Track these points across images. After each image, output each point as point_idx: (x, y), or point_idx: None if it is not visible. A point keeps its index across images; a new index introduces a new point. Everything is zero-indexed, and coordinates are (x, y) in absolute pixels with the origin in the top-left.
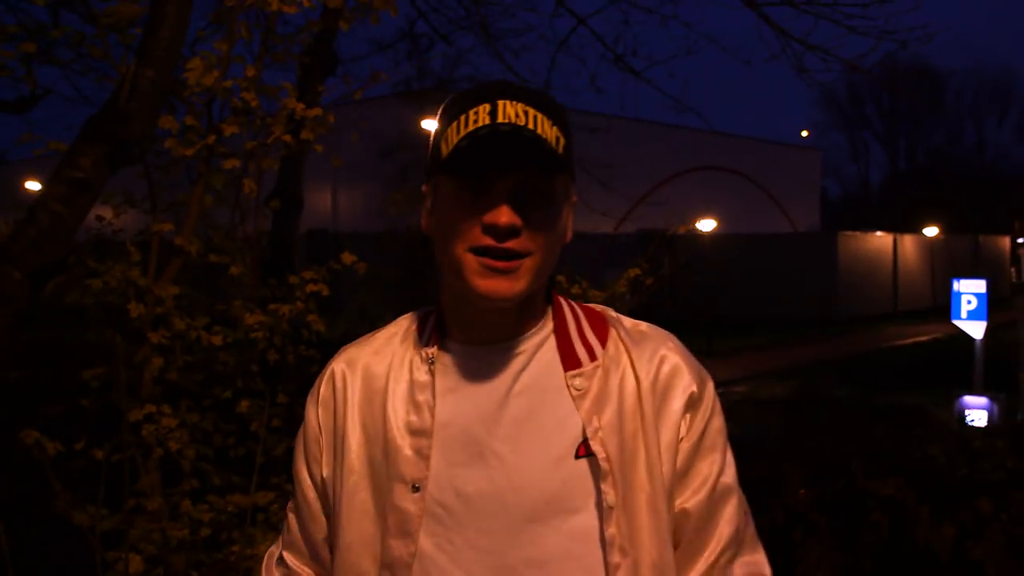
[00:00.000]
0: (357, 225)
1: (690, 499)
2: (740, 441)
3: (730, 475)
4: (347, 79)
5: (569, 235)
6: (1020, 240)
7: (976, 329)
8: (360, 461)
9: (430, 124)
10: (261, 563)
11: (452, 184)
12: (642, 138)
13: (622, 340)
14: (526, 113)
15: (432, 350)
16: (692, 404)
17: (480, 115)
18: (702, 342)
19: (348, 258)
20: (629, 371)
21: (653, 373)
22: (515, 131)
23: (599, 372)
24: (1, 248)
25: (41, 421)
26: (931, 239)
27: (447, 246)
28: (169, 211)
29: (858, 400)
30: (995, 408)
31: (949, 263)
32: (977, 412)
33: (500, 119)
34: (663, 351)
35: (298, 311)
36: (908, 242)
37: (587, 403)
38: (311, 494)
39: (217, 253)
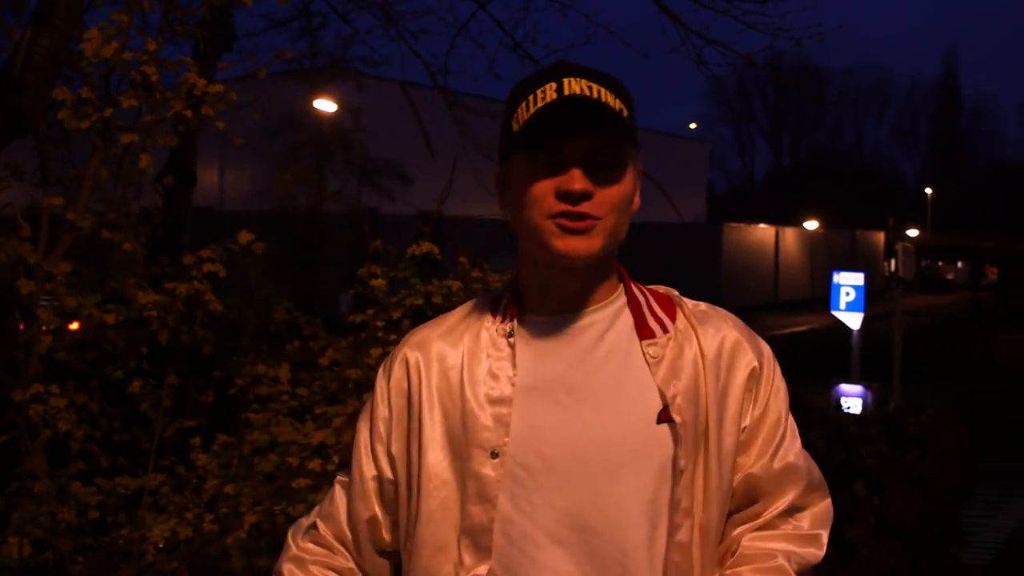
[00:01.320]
0: (245, 204)
1: (755, 464)
2: None
3: (795, 447)
4: (251, 56)
5: (637, 203)
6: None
7: (854, 320)
8: (439, 435)
9: (322, 104)
10: (150, 545)
11: (525, 159)
12: None
13: (688, 317)
14: (590, 88)
15: (511, 323)
16: (755, 378)
17: (547, 92)
18: None
19: (244, 237)
20: (697, 345)
21: (716, 348)
22: (582, 100)
23: (672, 343)
24: None
25: None
26: (811, 232)
27: (526, 217)
28: (59, 185)
29: None
30: (869, 396)
31: (828, 256)
32: (853, 400)
33: (566, 92)
34: (725, 328)
35: (194, 291)
36: (789, 235)
37: (662, 371)
38: (368, 472)
39: (110, 229)
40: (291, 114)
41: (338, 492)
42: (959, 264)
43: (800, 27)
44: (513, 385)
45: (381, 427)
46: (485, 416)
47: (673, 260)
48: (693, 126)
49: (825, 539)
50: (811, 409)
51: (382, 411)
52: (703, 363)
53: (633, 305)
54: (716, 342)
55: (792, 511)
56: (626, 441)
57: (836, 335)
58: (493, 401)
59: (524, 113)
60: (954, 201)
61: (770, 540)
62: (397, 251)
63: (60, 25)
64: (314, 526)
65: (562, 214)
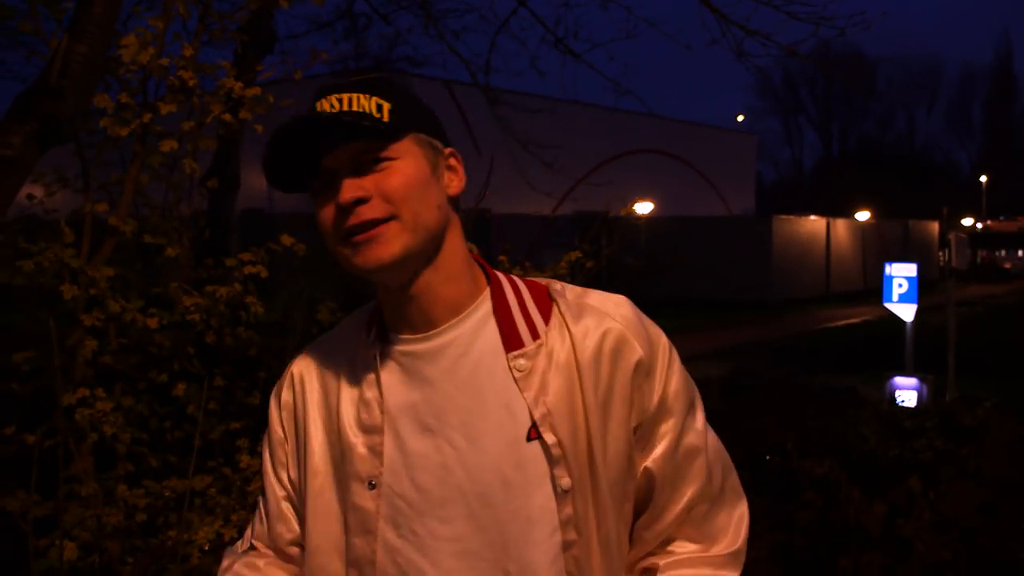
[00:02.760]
0: (293, 206)
1: (651, 460)
2: None
3: (694, 436)
4: (287, 59)
5: (456, 187)
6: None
7: (907, 312)
8: (323, 463)
9: None
10: (195, 548)
11: (312, 190)
12: (580, 121)
13: (563, 314)
14: (338, 101)
15: (375, 349)
16: (643, 371)
17: (290, 129)
18: None
19: (287, 240)
20: (571, 348)
21: (594, 348)
22: (312, 119)
23: (543, 351)
24: None
25: None
26: (863, 223)
27: (330, 249)
28: (102, 191)
29: (792, 381)
30: (924, 389)
31: (880, 247)
32: (907, 393)
33: (303, 122)
34: (607, 323)
35: (236, 293)
36: (840, 226)
37: (532, 385)
38: (279, 494)
39: (152, 233)
40: None
41: (261, 514)
42: (1020, 253)
43: (844, 15)
44: (382, 412)
45: (279, 451)
46: (359, 445)
47: (722, 254)
48: (740, 118)
49: (742, 556)
50: (864, 403)
51: (278, 434)
52: (579, 368)
53: (499, 310)
54: (594, 341)
55: (693, 512)
56: (497, 465)
57: (889, 327)
58: (366, 429)
59: (280, 149)
60: (1010, 188)
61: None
62: None
63: (97, 32)
64: (252, 547)
65: (349, 232)
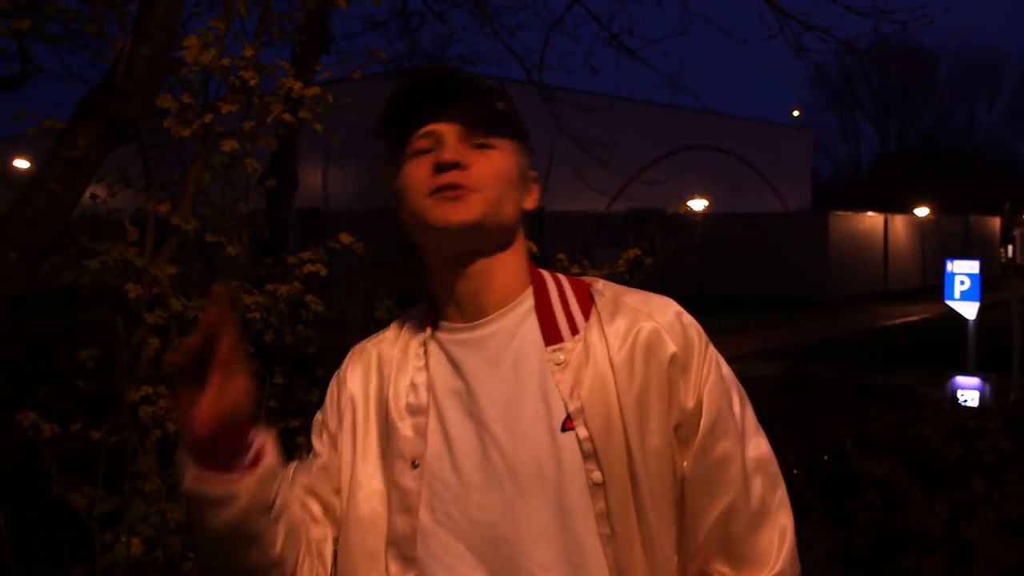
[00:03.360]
0: (348, 204)
1: (685, 463)
2: None
3: (729, 442)
4: (344, 59)
5: (530, 203)
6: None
7: (969, 310)
8: (373, 445)
9: None
10: None
11: (409, 156)
12: (634, 117)
13: (600, 312)
14: (457, 78)
15: (425, 334)
16: (678, 367)
17: (415, 82)
18: None
19: (345, 238)
20: (608, 344)
21: (628, 345)
22: (447, 79)
23: (580, 347)
24: None
25: (36, 402)
26: (921, 219)
27: (409, 203)
28: (164, 190)
29: (850, 380)
30: (987, 389)
31: (939, 243)
32: (969, 392)
33: (432, 81)
34: (640, 322)
35: (295, 291)
36: (899, 222)
37: (568, 379)
38: (319, 459)
39: (213, 232)
40: None
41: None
42: None
43: (905, 9)
44: (429, 396)
45: (331, 422)
46: (405, 426)
47: (778, 251)
48: (796, 114)
49: (795, 569)
50: (924, 402)
51: (332, 408)
52: (612, 366)
53: (541, 306)
54: (628, 339)
55: (728, 529)
56: (534, 454)
57: (951, 325)
58: (412, 412)
59: (395, 108)
60: None
61: None
62: None
63: (159, 33)
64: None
65: (437, 188)
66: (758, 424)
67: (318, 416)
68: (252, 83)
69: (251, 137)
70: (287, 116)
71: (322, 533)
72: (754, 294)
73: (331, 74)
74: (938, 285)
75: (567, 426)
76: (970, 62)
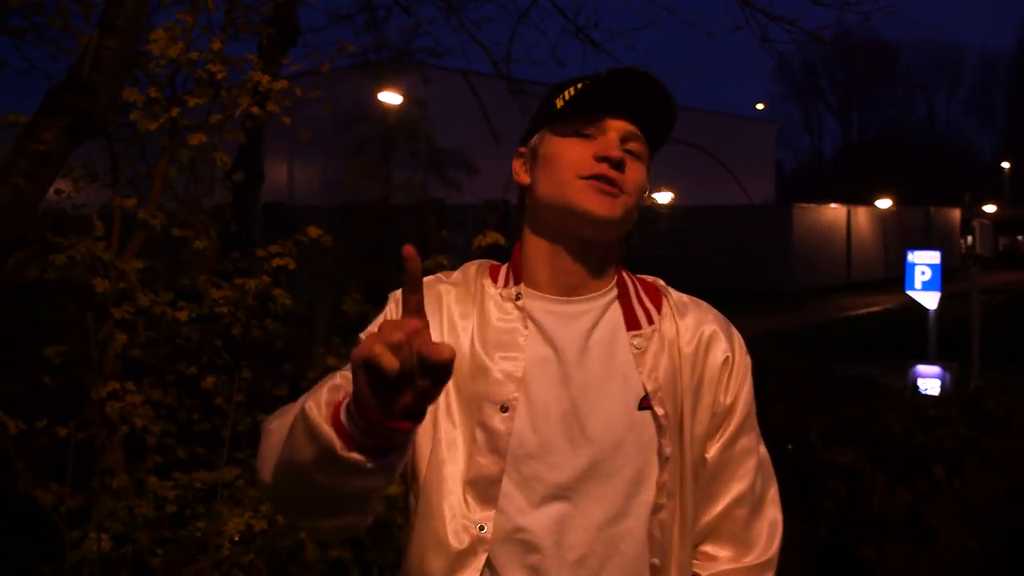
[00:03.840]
0: (313, 199)
1: (712, 449)
2: None
3: (750, 439)
4: (314, 52)
5: (635, 215)
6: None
7: (930, 300)
8: (449, 385)
9: (387, 96)
10: (226, 539)
11: (565, 130)
12: None
13: (672, 308)
14: (650, 78)
15: (513, 293)
16: (728, 368)
17: (604, 74)
18: None
19: (314, 232)
20: (677, 338)
21: (695, 341)
22: (639, 76)
23: (656, 335)
24: None
25: (1, 399)
26: (883, 211)
27: (558, 178)
28: (131, 185)
29: (814, 370)
30: (948, 377)
31: (901, 235)
32: (930, 381)
33: (624, 73)
34: (705, 322)
35: (264, 285)
36: (861, 214)
37: (646, 362)
38: None
39: (180, 227)
40: (357, 107)
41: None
42: None
43: (868, 1)
44: (523, 346)
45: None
46: (496, 371)
47: (742, 242)
48: (760, 106)
49: (774, 564)
50: (887, 391)
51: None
52: (680, 356)
53: (623, 296)
54: (695, 335)
55: (736, 512)
56: (611, 427)
57: (912, 315)
58: (505, 358)
59: (573, 89)
60: None
61: None
62: (464, 241)
63: (126, 27)
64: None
65: (596, 176)
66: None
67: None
68: (220, 76)
69: (219, 131)
70: (255, 109)
71: None
72: (719, 286)
73: (300, 67)
74: (900, 276)
75: (643, 404)
76: (931, 55)
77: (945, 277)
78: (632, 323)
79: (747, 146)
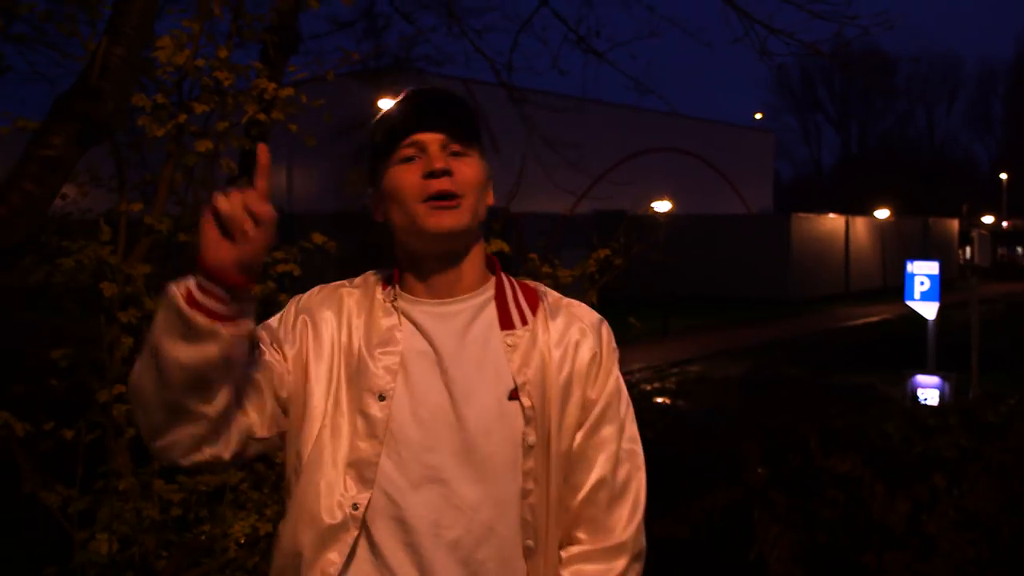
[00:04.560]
0: (312, 205)
1: (576, 438)
2: (698, 419)
3: (611, 430)
4: (316, 59)
5: (489, 201)
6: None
7: (929, 310)
8: (332, 377)
9: (387, 104)
10: (232, 541)
11: (393, 161)
12: (599, 119)
13: (546, 310)
14: (438, 91)
15: (390, 297)
16: (595, 364)
17: (403, 100)
18: (657, 321)
19: (318, 238)
20: (548, 338)
21: (564, 340)
22: (432, 94)
23: (527, 335)
24: None
25: (9, 401)
26: (882, 221)
27: (403, 208)
28: (136, 189)
29: (812, 379)
30: (946, 387)
31: (900, 245)
32: (929, 391)
33: (418, 95)
34: (576, 323)
35: (269, 291)
36: (860, 224)
37: (516, 359)
38: (267, 356)
39: (186, 232)
40: (357, 115)
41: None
42: None
43: (867, 14)
44: (399, 341)
45: (280, 333)
46: (375, 365)
47: (741, 252)
48: (758, 116)
49: (629, 546)
50: (886, 400)
51: (287, 323)
52: (550, 354)
53: (499, 298)
54: (565, 335)
55: (597, 497)
56: (483, 415)
57: (911, 325)
58: (384, 353)
59: (385, 120)
60: None
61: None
62: None
63: (133, 34)
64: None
65: (432, 196)
66: (635, 426)
67: (264, 331)
68: (227, 84)
69: (225, 138)
70: (261, 116)
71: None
72: (718, 295)
73: (305, 75)
74: (898, 286)
75: (512, 396)
76: (930, 66)
77: (943, 288)
78: (506, 323)
79: (746, 156)
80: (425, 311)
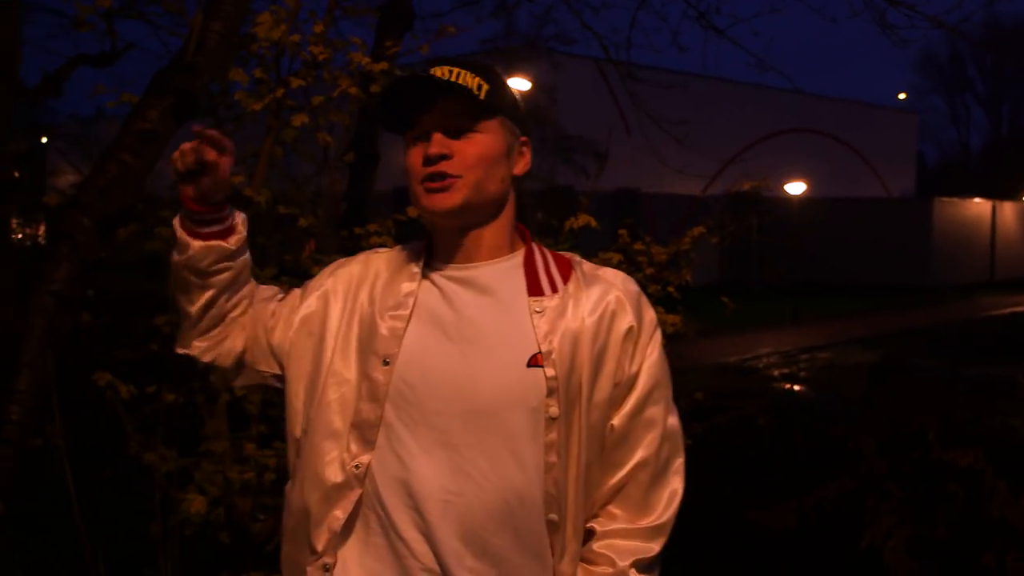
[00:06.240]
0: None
1: (617, 417)
2: (819, 407)
3: (656, 410)
4: (433, 37)
5: (521, 168)
6: None
7: None
8: (353, 339)
9: (516, 82)
10: None
11: (407, 139)
12: (727, 98)
13: (579, 279)
14: (450, 72)
15: (420, 263)
16: (632, 338)
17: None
18: (788, 307)
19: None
20: (582, 307)
21: (599, 310)
22: (428, 80)
23: (557, 302)
24: (73, 196)
25: (113, 365)
26: None
27: (411, 187)
28: (242, 164)
29: (946, 371)
30: None
31: None
32: None
33: (419, 77)
34: (611, 292)
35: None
36: (1007, 209)
37: (544, 325)
38: (297, 312)
39: (286, 204)
40: None
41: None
42: None
43: None
44: (413, 307)
45: (310, 298)
46: (383, 327)
47: (879, 237)
48: (902, 96)
49: (667, 528)
50: (1017, 394)
51: (322, 289)
52: (583, 324)
53: (528, 265)
54: (600, 304)
55: (638, 476)
56: (499, 380)
57: None
58: (393, 317)
59: (386, 103)
60: None
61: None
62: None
63: (231, 10)
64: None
65: (427, 177)
66: (674, 404)
67: (305, 287)
68: (322, 58)
69: (322, 112)
70: (353, 90)
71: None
72: (854, 281)
73: (414, 50)
74: None
75: (532, 363)
76: None
77: None
78: (534, 289)
79: (886, 137)
80: (447, 275)
